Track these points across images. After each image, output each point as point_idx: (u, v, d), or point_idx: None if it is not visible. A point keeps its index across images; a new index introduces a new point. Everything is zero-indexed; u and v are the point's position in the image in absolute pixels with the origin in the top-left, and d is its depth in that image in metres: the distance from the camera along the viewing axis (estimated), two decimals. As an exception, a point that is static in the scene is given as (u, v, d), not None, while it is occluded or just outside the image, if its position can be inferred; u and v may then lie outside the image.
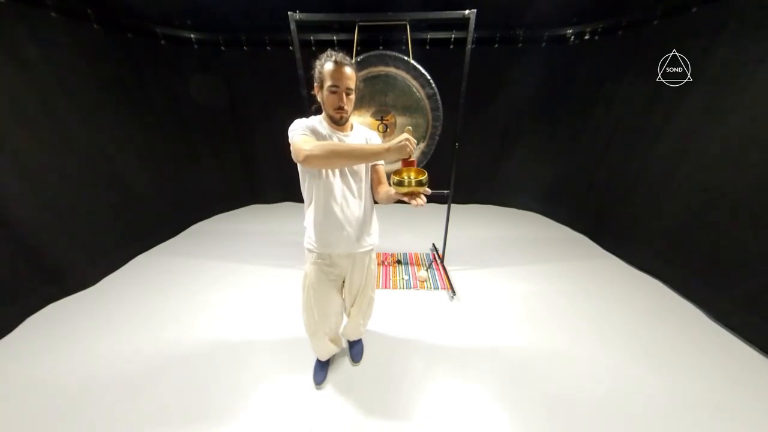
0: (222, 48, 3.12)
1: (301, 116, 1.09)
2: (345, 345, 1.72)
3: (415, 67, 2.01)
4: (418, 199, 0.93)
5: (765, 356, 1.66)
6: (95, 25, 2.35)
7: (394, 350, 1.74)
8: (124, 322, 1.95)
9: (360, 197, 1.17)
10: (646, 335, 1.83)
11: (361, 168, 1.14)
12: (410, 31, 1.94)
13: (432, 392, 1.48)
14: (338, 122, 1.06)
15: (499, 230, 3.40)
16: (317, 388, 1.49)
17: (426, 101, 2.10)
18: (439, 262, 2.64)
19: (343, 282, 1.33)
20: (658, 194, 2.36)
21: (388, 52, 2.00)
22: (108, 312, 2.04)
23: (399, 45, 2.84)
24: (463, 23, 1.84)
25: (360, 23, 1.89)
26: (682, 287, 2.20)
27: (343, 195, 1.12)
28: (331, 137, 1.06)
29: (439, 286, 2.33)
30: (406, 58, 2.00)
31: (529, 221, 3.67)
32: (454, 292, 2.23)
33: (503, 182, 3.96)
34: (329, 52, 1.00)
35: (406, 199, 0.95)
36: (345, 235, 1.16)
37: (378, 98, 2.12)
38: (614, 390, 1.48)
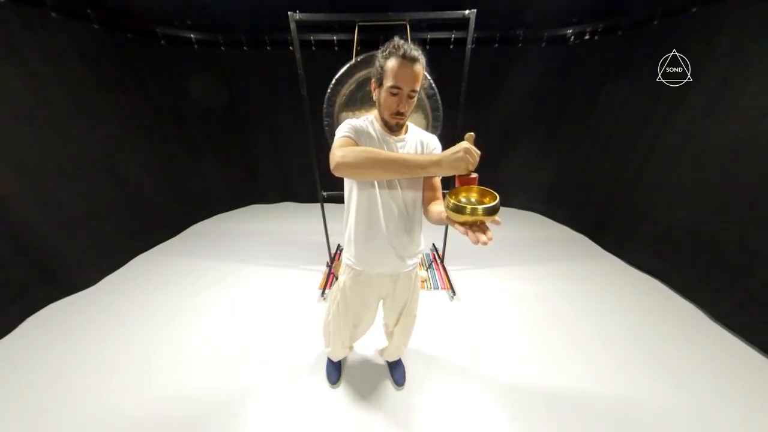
0: (222, 48, 3.12)
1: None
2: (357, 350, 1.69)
3: (415, 67, 2.01)
4: (480, 235, 0.61)
5: (765, 357, 1.66)
6: (95, 25, 2.35)
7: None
8: (123, 322, 1.95)
9: (409, 213, 0.99)
10: (646, 335, 1.83)
11: (418, 179, 0.96)
12: (410, 31, 1.94)
13: (431, 392, 1.48)
14: (393, 128, 0.92)
15: (499, 230, 3.35)
16: (332, 387, 1.50)
17: (426, 101, 2.10)
18: (439, 262, 2.64)
19: (383, 299, 1.21)
20: (659, 194, 2.36)
21: (388, 52, 2.00)
22: (108, 312, 2.04)
23: (399, 45, 2.84)
24: (463, 23, 1.84)
25: (360, 23, 1.89)
26: (683, 287, 2.20)
27: (391, 210, 0.95)
28: (381, 141, 0.91)
29: (439, 286, 2.33)
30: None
31: (529, 221, 3.67)
32: (454, 292, 2.23)
33: (503, 182, 3.95)
34: (398, 42, 0.79)
35: (462, 230, 0.65)
36: (388, 254, 1.01)
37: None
38: (614, 390, 1.48)
